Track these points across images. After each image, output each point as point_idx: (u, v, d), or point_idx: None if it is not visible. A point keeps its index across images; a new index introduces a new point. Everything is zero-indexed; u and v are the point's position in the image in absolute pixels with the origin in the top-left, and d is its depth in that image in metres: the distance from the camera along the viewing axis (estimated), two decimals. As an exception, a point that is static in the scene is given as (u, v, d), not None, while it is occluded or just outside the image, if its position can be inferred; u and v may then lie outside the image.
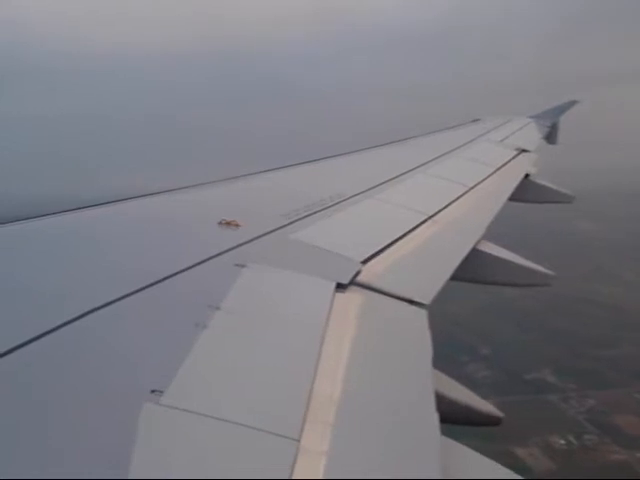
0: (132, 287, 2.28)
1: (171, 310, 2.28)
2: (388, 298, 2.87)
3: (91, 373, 1.77)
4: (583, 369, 39.18)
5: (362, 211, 4.24)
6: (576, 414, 34.68)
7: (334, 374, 2.03)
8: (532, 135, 10.24)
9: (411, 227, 4.00)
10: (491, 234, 4.53)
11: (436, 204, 4.71)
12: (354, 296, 2.77)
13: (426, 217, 4.30)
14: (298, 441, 1.61)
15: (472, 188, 5.60)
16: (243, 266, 2.76)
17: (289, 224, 3.54)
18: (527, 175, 7.21)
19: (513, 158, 7.74)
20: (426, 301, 2.89)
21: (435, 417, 1.90)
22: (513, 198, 6.01)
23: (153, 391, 1.66)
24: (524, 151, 8.30)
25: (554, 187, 7.57)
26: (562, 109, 12.46)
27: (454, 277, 3.44)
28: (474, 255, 4.00)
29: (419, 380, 2.18)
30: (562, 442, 31.97)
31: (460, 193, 5.29)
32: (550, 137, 10.99)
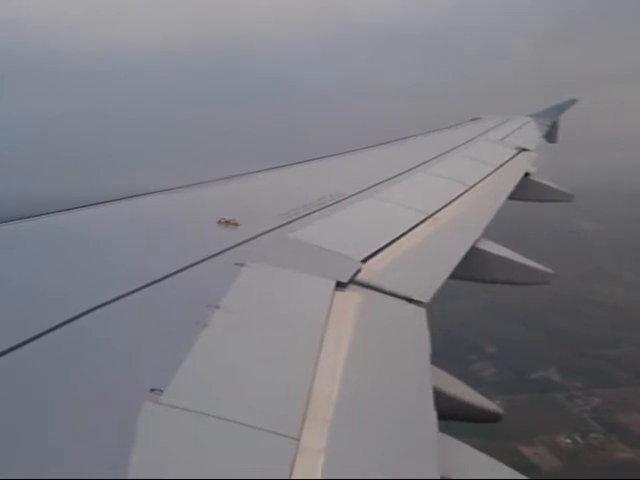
0: (131, 286, 2.28)
1: (171, 309, 2.28)
2: (387, 297, 2.87)
3: (91, 372, 1.77)
4: (587, 368, 39.13)
5: (361, 210, 4.24)
6: (581, 412, 34.64)
7: (333, 373, 2.03)
8: (532, 134, 10.24)
9: (411, 226, 4.00)
10: (491, 233, 4.53)
11: (436, 203, 4.71)
12: (354, 295, 2.76)
13: (426, 216, 4.30)
14: (298, 440, 1.61)
15: (472, 187, 5.60)
16: (242, 265, 2.76)
17: (288, 223, 3.53)
18: (527, 174, 7.21)
19: (513, 157, 7.74)
20: (425, 299, 2.89)
21: (433, 415, 1.90)
22: (513, 197, 6.01)
23: (153, 390, 1.66)
24: (524, 150, 8.30)
25: (554, 186, 7.57)
26: (562, 108, 12.46)
27: (454, 276, 3.44)
28: (474, 253, 4.00)
29: (417, 378, 2.18)
30: (568, 441, 31.93)
31: (460, 192, 5.29)
32: (550, 136, 10.99)
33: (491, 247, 4.36)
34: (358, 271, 3.02)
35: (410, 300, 2.87)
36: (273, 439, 1.61)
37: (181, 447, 1.51)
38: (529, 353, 40.35)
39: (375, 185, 4.88)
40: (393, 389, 2.13)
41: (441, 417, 1.91)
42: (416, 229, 4.00)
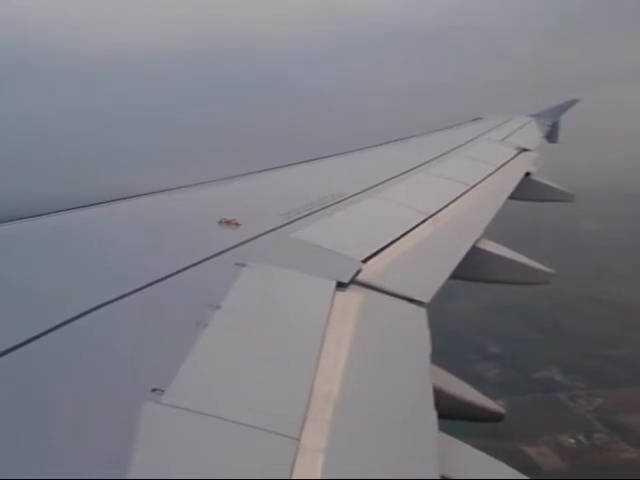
0: (133, 286, 2.28)
1: (172, 309, 2.28)
2: (388, 297, 2.87)
3: (92, 372, 1.77)
4: (590, 368, 38.99)
5: (363, 210, 4.24)
6: (584, 413, 34.55)
7: (334, 373, 2.03)
8: (533, 134, 10.25)
9: (412, 226, 4.00)
10: (493, 233, 4.53)
11: (437, 203, 4.71)
12: (355, 295, 2.76)
13: (426, 216, 4.30)
14: (298, 440, 1.61)
15: (473, 187, 5.60)
16: (243, 265, 2.76)
17: (289, 223, 3.53)
18: (528, 174, 7.21)
19: (514, 157, 7.74)
20: (426, 299, 2.89)
21: (433, 415, 1.90)
22: (514, 196, 6.02)
23: (154, 390, 1.66)
24: (525, 150, 8.31)
25: (554, 185, 7.58)
26: (562, 108, 12.47)
27: (454, 275, 3.44)
28: (474, 253, 4.00)
29: (418, 378, 2.18)
30: (572, 441, 31.82)
31: (460, 192, 5.29)
32: (551, 136, 11.00)
33: (492, 247, 4.36)
34: (359, 271, 3.02)
35: (411, 300, 2.87)
36: (273, 439, 1.61)
37: (182, 447, 1.51)
38: (532, 353, 40.31)
39: (376, 185, 4.88)
40: (394, 389, 2.13)
41: (442, 416, 1.91)
42: (417, 229, 4.00)
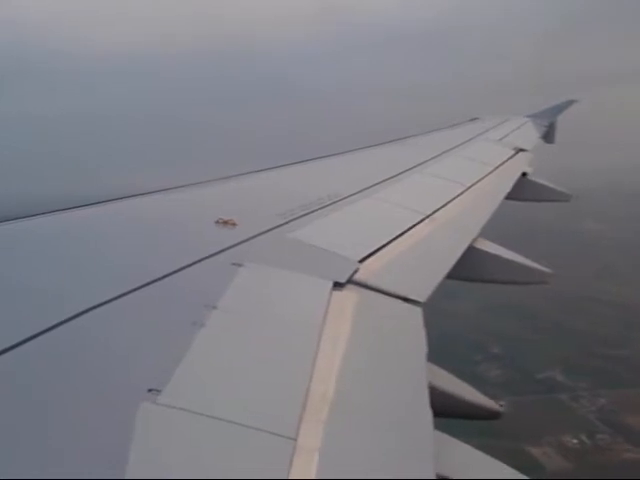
0: (129, 286, 2.29)
1: (168, 309, 2.29)
2: (385, 296, 2.88)
3: (88, 372, 1.78)
4: (593, 368, 38.87)
5: (359, 210, 4.24)
6: (587, 413, 34.50)
7: (330, 373, 2.04)
8: (530, 134, 10.25)
9: (408, 226, 4.00)
10: (490, 233, 4.54)
11: (433, 203, 4.72)
12: (351, 295, 2.77)
13: (423, 216, 4.31)
14: (295, 440, 1.61)
15: (469, 187, 5.61)
16: (240, 265, 2.77)
17: (286, 223, 3.54)
18: (525, 174, 7.22)
19: (511, 157, 7.75)
20: (422, 299, 2.90)
21: (429, 414, 1.91)
22: (510, 197, 6.02)
23: (150, 390, 1.67)
24: (522, 150, 8.32)
25: (551, 185, 7.59)
26: (560, 108, 12.48)
27: (451, 275, 3.45)
28: (471, 253, 4.01)
29: (414, 377, 2.19)
30: (575, 441, 31.79)
31: (457, 192, 5.29)
32: (548, 136, 11.00)
33: (488, 247, 4.37)
34: (355, 271, 3.03)
35: (407, 300, 2.88)
36: (270, 439, 1.61)
37: (178, 447, 1.51)
38: (533, 353, 40.23)
39: (373, 185, 4.89)
40: (390, 389, 2.14)
41: (440, 415, 1.92)
42: (413, 229, 4.00)
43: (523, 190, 6.84)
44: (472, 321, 43.72)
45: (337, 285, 2.81)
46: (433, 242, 3.92)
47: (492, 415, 2.87)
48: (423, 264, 3.57)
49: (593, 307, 49.19)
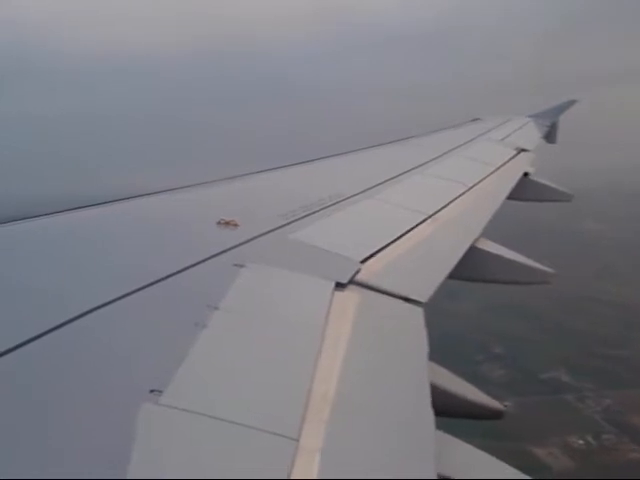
0: (131, 287, 2.28)
1: (170, 310, 2.29)
2: (386, 297, 2.87)
3: (90, 373, 1.77)
4: (597, 368, 38.79)
5: (361, 211, 4.24)
6: (593, 414, 34.48)
7: (333, 373, 2.04)
8: (531, 134, 10.26)
9: (410, 226, 4.00)
10: (492, 233, 4.53)
11: (435, 203, 4.72)
12: (353, 295, 2.77)
13: (425, 217, 4.31)
14: (297, 440, 1.61)
15: (471, 188, 5.61)
16: (242, 266, 2.76)
17: (288, 224, 3.54)
18: (526, 174, 7.22)
19: (513, 157, 7.75)
20: (423, 299, 2.90)
21: (430, 414, 1.91)
22: (512, 197, 6.02)
23: (152, 391, 1.66)
24: (523, 150, 8.32)
25: (553, 185, 7.59)
26: (561, 108, 12.48)
27: (453, 275, 3.45)
28: (472, 253, 4.01)
29: (415, 377, 2.19)
30: (581, 442, 31.78)
31: (459, 192, 5.29)
32: (549, 136, 11.01)
33: (490, 246, 4.37)
34: (357, 272, 3.03)
35: (408, 300, 2.88)
36: (272, 440, 1.61)
37: (180, 448, 1.51)
38: (536, 354, 40.20)
39: (375, 186, 4.89)
40: (391, 389, 2.14)
41: (442, 414, 1.91)
42: (415, 230, 4.00)
43: (525, 190, 6.84)
44: (474, 321, 43.73)
45: (339, 285, 2.81)
46: (435, 242, 3.92)
47: (495, 415, 2.86)
48: (425, 264, 3.57)
49: (593, 307, 49.18)
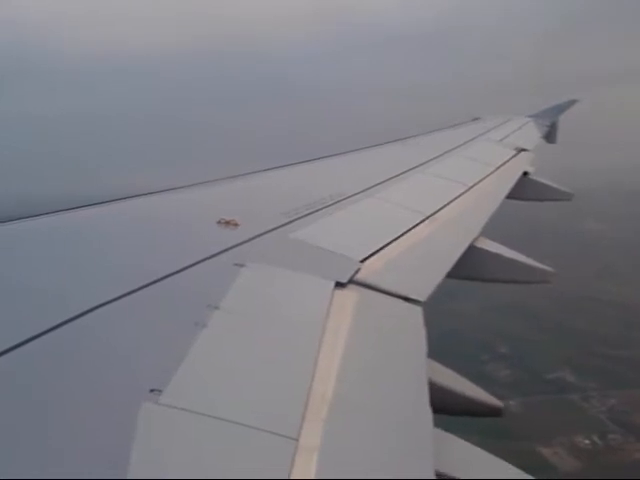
0: (131, 286, 2.28)
1: (170, 309, 2.29)
2: (386, 296, 2.88)
3: (90, 372, 1.77)
4: (600, 368, 38.83)
5: (362, 210, 4.24)
6: (598, 413, 34.53)
7: (332, 373, 2.04)
8: (531, 134, 10.26)
9: (410, 226, 4.01)
10: (491, 233, 4.53)
11: (435, 203, 4.72)
12: (353, 295, 2.77)
13: (424, 216, 4.31)
14: (297, 440, 1.61)
15: (471, 187, 5.61)
16: (242, 265, 2.76)
17: (288, 223, 3.54)
18: (526, 173, 7.22)
19: (513, 157, 7.75)
20: (422, 298, 2.90)
21: (429, 412, 1.91)
22: (512, 196, 6.02)
23: (152, 390, 1.66)
24: (523, 150, 8.32)
25: (552, 185, 7.59)
26: (561, 108, 12.49)
27: (453, 275, 3.45)
28: (472, 252, 4.01)
29: (414, 376, 2.19)
30: (587, 442, 31.82)
31: (459, 192, 5.30)
32: (549, 136, 11.01)
33: (489, 246, 4.36)
34: (357, 271, 3.03)
35: (407, 299, 2.88)
36: (272, 439, 1.61)
37: (180, 447, 1.51)
38: (540, 353, 40.20)
39: (375, 185, 4.89)
40: (391, 388, 2.14)
41: (442, 412, 1.91)
42: (415, 229, 4.01)
43: (525, 189, 6.84)
44: (475, 320, 43.74)
45: (339, 285, 2.81)
46: (434, 242, 3.92)
47: (494, 412, 2.85)
48: (424, 264, 3.57)
49: (593, 307, 49.18)
